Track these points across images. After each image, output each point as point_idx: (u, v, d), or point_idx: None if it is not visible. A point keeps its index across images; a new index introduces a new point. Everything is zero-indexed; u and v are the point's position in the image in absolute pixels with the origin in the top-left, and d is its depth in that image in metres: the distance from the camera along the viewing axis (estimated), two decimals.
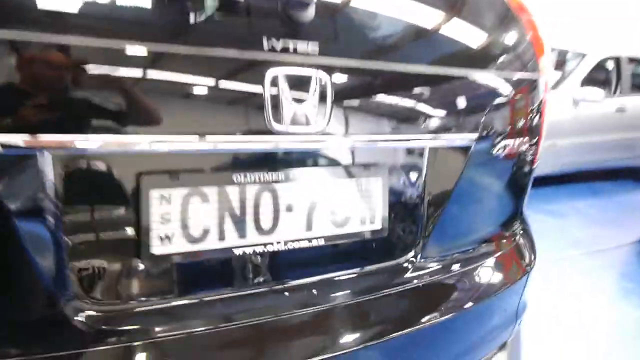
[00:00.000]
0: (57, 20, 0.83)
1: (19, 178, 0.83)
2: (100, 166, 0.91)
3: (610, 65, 6.80)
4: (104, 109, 0.87)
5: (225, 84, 0.97)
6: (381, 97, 1.15)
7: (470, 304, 1.35)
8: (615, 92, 6.76)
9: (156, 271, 0.98)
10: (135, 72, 0.88)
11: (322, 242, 1.13)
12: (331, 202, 1.13)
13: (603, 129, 6.41)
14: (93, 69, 0.84)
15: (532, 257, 1.61)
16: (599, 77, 6.59)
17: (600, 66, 6.56)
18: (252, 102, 0.98)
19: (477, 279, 1.41)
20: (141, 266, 0.95)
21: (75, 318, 0.89)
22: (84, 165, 0.89)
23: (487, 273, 1.44)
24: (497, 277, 1.46)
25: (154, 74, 0.90)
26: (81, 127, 0.85)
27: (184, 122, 0.93)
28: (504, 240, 1.52)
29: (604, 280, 4.02)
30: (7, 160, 0.81)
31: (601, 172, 7.03)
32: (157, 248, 0.96)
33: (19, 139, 0.80)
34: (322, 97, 1.03)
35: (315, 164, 1.11)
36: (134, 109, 0.88)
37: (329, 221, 1.13)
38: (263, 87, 0.97)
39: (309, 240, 1.11)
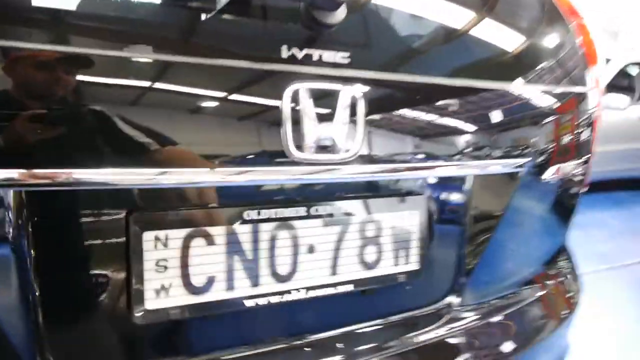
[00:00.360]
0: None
1: None
2: (81, 205, 0.73)
3: (634, 70, 6.57)
4: (80, 135, 0.69)
5: (234, 102, 0.79)
6: (420, 117, 0.97)
7: (513, 354, 1.17)
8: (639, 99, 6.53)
9: (151, 330, 0.80)
10: (120, 87, 0.71)
11: (349, 288, 0.95)
12: (360, 241, 0.95)
13: (626, 137, 6.18)
14: (66, 81, 0.67)
15: (579, 293, 1.42)
16: (622, 83, 6.36)
17: (624, 72, 6.33)
18: (266, 123, 0.81)
19: (521, 324, 1.22)
20: (132, 325, 0.78)
21: None
22: (58, 204, 0.72)
23: (532, 316, 1.25)
24: (543, 321, 1.27)
25: (145, 88, 0.73)
26: (52, 158, 0.67)
27: (182, 149, 0.75)
28: (550, 279, 1.33)
29: (632, 296, 3.80)
30: None
31: (622, 182, 6.79)
32: (152, 302, 0.78)
33: None
34: (353, 118, 0.85)
35: (343, 198, 0.93)
36: (119, 135, 0.71)
37: (357, 263, 0.95)
38: (281, 105, 0.79)
39: (334, 286, 0.93)
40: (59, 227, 0.73)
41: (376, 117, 0.90)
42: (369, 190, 0.96)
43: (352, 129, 0.85)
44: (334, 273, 0.93)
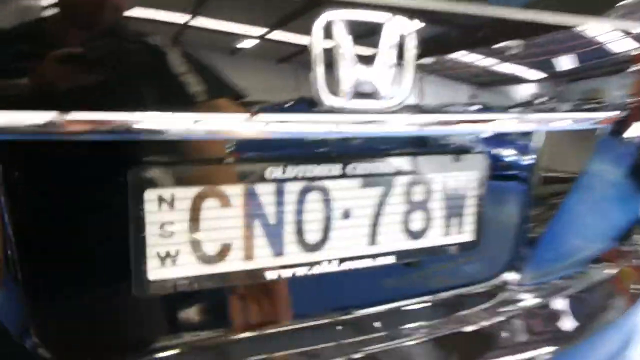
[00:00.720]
0: None
1: None
2: (69, 157, 0.61)
3: None
4: (69, 76, 0.56)
5: (252, 36, 0.64)
6: (484, 58, 0.80)
7: (579, 337, 1.01)
8: None
9: (153, 305, 0.69)
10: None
11: (389, 261, 0.81)
12: (405, 206, 0.80)
13: None
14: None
15: None
16: None
17: None
18: (293, 62, 0.66)
19: (587, 310, 1.05)
20: (133, 298, 0.66)
21: None
22: (42, 155, 0.60)
23: (600, 302, 1.08)
24: (612, 310, 1.10)
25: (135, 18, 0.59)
26: (30, 100, 0.55)
27: (189, 90, 0.61)
28: (623, 257, 1.15)
29: None
30: None
31: None
32: (155, 272, 0.67)
33: None
34: (401, 57, 0.70)
35: (385, 154, 0.78)
36: (113, 70, 0.58)
37: (400, 232, 0.81)
38: (310, 39, 0.64)
39: (372, 257, 0.79)
40: (44, 187, 0.61)
41: (428, 57, 0.73)
42: (417, 146, 0.81)
43: (399, 72, 0.70)
44: (372, 242, 0.79)
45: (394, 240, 0.80)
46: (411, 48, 0.70)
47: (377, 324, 0.83)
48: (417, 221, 0.82)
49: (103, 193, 0.64)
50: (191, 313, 0.72)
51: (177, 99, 0.60)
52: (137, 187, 0.64)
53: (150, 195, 0.65)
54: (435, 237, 0.84)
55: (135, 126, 0.58)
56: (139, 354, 0.69)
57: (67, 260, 0.64)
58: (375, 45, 0.68)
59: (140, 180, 0.64)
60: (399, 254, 0.81)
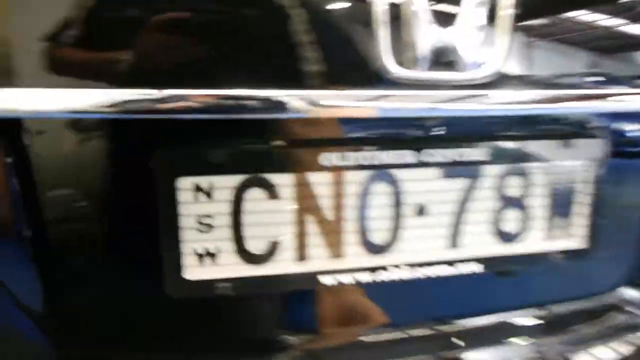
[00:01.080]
0: None
1: None
2: (91, 140, 0.54)
3: None
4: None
5: None
6: (606, 17, 0.63)
7: None
8: None
9: (189, 309, 0.60)
10: None
11: (474, 269, 0.67)
12: (495, 203, 0.66)
13: None
14: None
15: None
16: None
17: None
18: (352, 25, 0.54)
19: None
20: (166, 300, 0.58)
21: None
22: (61, 138, 0.53)
23: None
24: None
25: None
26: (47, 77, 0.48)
27: (226, 64, 0.51)
28: None
29: None
30: None
31: None
32: (192, 271, 0.58)
33: None
34: (492, 15, 0.55)
35: (471, 138, 0.63)
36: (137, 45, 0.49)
37: (489, 234, 0.66)
38: None
39: (452, 264, 0.66)
40: (66, 177, 0.54)
41: (529, 15, 0.58)
42: (512, 129, 0.65)
43: (489, 35, 0.55)
44: (453, 246, 0.65)
45: (480, 243, 0.66)
46: (505, 4, 0.55)
47: (455, 342, 0.69)
48: (511, 221, 0.67)
49: (131, 179, 0.56)
50: (233, 320, 0.63)
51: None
52: (169, 175, 0.55)
53: (184, 183, 0.56)
54: (534, 242, 0.68)
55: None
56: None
57: (90, 260, 0.57)
58: (457, 3, 0.54)
59: (172, 166, 0.55)
60: (487, 260, 0.67)
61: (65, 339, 0.57)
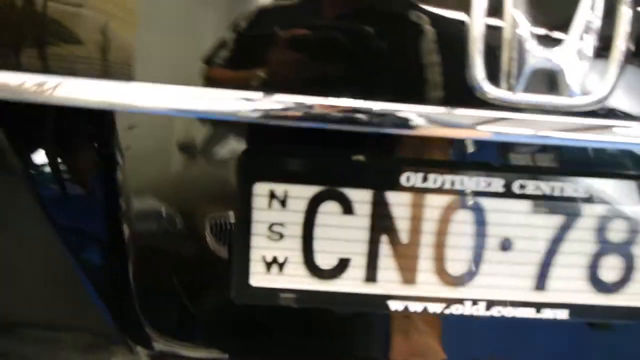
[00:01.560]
0: None
1: None
2: (181, 137, 0.56)
3: None
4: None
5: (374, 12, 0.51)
6: None
7: None
8: None
9: (253, 315, 0.60)
10: None
11: (563, 315, 0.60)
12: (594, 245, 0.59)
13: None
14: None
15: None
16: None
17: None
18: (440, 40, 0.51)
19: None
20: (229, 305, 0.58)
21: None
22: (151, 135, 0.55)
23: None
24: None
25: None
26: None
27: (335, 77, 0.51)
28: None
29: None
30: None
31: None
32: (259, 277, 0.58)
33: None
34: (604, 37, 0.50)
35: (570, 170, 0.57)
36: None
37: (583, 280, 0.60)
38: (468, 11, 0.49)
39: (538, 307, 0.60)
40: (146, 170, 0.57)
41: None
42: (620, 165, 0.58)
43: (599, 57, 0.50)
44: (539, 287, 0.59)
45: (572, 289, 0.59)
46: (623, 22, 0.49)
47: None
48: (610, 269, 0.59)
49: (213, 180, 0.57)
50: (292, 331, 0.61)
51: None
52: (247, 178, 0.55)
53: (260, 189, 0.56)
54: (635, 295, 0.60)
55: None
56: None
57: (160, 257, 0.58)
58: (565, 15, 0.50)
59: (252, 170, 0.55)
60: (579, 308, 0.60)
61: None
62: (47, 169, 0.55)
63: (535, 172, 0.57)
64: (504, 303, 0.59)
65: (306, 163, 0.56)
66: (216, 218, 0.57)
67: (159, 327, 0.60)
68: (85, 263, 0.57)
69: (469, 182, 0.57)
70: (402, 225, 0.57)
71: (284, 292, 0.58)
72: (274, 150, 0.56)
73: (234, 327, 0.61)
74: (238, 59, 0.50)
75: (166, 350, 0.60)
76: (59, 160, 0.56)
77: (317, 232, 0.57)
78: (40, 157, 0.55)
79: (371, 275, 0.58)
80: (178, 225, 0.57)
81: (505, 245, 0.58)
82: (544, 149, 0.57)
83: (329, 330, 0.62)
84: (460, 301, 0.59)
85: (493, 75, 0.50)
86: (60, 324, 0.60)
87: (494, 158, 0.57)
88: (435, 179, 0.56)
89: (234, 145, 0.55)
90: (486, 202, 0.57)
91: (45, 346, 0.60)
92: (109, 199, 0.56)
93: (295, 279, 0.58)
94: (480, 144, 0.56)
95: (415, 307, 0.59)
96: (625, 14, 0.49)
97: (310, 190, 0.56)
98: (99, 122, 0.54)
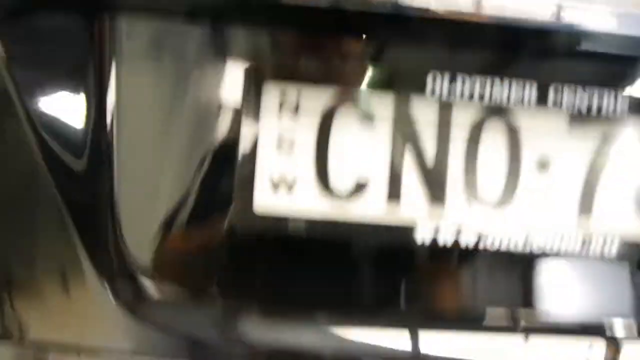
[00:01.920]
0: None
1: None
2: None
3: None
4: None
5: None
6: None
7: None
8: None
9: (257, 239, 0.51)
10: None
11: (612, 247, 0.52)
12: None
13: None
14: None
15: None
16: None
17: None
18: None
19: None
20: (225, 239, 0.50)
21: None
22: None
23: None
24: None
25: None
26: None
27: None
28: None
29: None
30: None
31: None
32: (265, 201, 0.49)
33: None
34: None
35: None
36: None
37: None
38: None
39: (584, 241, 0.52)
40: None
41: None
42: None
43: None
44: (585, 212, 0.52)
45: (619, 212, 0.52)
46: None
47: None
48: None
49: (210, 83, 0.49)
50: (304, 265, 0.52)
51: None
52: (257, 77, 0.48)
53: (271, 89, 0.48)
54: None
55: None
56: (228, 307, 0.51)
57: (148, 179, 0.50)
58: None
59: (259, 70, 0.48)
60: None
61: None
62: None
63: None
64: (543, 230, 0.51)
65: (318, 64, 0.49)
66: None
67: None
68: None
69: (502, 91, 0.50)
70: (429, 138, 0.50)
71: (295, 221, 0.49)
72: (283, 48, 0.49)
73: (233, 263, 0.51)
74: None
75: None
76: None
77: (333, 145, 0.49)
78: None
79: (393, 193, 0.50)
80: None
81: (543, 166, 0.52)
82: None
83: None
84: (495, 225, 0.51)
85: None
86: None
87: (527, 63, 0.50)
88: (464, 89, 0.50)
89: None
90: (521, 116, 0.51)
91: None
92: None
93: (305, 199, 0.49)
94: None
95: (444, 237, 0.51)
96: None
97: (323, 96, 0.49)
98: None
